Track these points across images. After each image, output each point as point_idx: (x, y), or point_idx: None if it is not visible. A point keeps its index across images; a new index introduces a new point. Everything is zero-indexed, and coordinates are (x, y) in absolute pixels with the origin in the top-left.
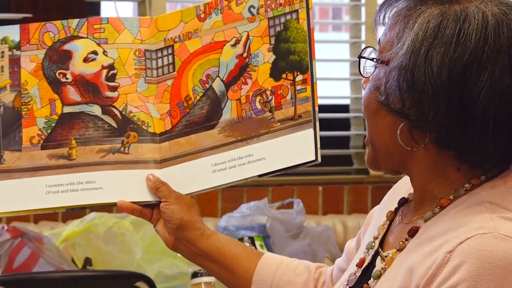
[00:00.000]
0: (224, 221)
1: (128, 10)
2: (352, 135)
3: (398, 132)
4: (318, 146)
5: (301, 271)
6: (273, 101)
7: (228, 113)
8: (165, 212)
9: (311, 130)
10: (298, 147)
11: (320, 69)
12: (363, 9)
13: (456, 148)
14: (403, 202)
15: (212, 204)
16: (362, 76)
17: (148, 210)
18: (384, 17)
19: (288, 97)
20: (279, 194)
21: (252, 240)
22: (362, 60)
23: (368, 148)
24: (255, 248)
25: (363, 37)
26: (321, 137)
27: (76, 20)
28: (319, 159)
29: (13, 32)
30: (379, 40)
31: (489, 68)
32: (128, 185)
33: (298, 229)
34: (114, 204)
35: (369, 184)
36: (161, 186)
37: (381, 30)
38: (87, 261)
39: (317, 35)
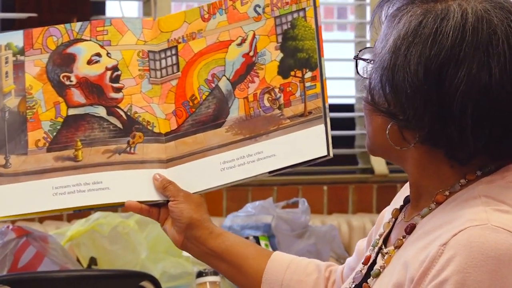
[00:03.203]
0: (229, 220)
1: (133, 10)
2: (357, 134)
3: (387, 132)
4: (330, 141)
5: (311, 270)
6: (281, 98)
7: (236, 111)
8: (173, 211)
9: (322, 126)
10: (309, 143)
11: (325, 68)
12: (368, 8)
13: (442, 145)
14: (408, 200)
15: (217, 204)
16: (360, 76)
17: (155, 210)
18: (378, 17)
19: (298, 94)
20: (284, 193)
21: (257, 239)
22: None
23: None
24: None
25: (368, 37)
26: None
27: (79, 23)
28: (331, 154)
29: (16, 38)
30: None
31: (466, 65)
32: (135, 185)
33: (303, 228)
34: (122, 204)
35: (374, 184)
36: (168, 185)
37: (377, 30)
38: (92, 261)
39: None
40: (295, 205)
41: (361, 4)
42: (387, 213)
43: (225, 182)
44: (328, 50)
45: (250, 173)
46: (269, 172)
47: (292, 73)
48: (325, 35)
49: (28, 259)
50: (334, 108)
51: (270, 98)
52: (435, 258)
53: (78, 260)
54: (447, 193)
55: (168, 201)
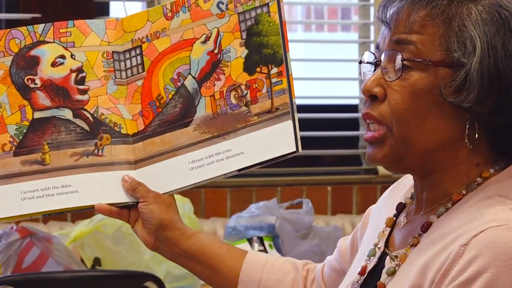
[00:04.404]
0: (233, 221)
1: (137, 10)
2: (361, 135)
3: (466, 132)
4: (298, 137)
5: (288, 269)
6: (248, 95)
7: (203, 110)
8: (144, 213)
9: (290, 122)
10: (277, 139)
11: (329, 69)
12: (371, 9)
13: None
14: (401, 207)
15: (221, 204)
16: (389, 79)
17: (125, 212)
18: (389, 13)
19: (264, 90)
20: (288, 194)
21: (261, 240)
22: (366, 65)
23: (385, 147)
24: (264, 248)
25: (372, 37)
26: (330, 138)
27: (42, 25)
28: (300, 150)
29: None
30: (404, 39)
31: None
32: (104, 187)
33: (307, 229)
34: (92, 207)
35: (378, 184)
36: (138, 186)
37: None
38: (96, 261)
39: (326, 35)
40: (299, 205)
41: (365, 4)
42: (372, 214)
43: (194, 181)
44: (332, 51)
45: (219, 171)
46: (238, 170)
47: (258, 69)
48: (329, 35)
49: (32, 259)
50: (338, 109)
51: (236, 95)
52: (456, 258)
53: (82, 261)
54: (463, 192)
55: (138, 202)
